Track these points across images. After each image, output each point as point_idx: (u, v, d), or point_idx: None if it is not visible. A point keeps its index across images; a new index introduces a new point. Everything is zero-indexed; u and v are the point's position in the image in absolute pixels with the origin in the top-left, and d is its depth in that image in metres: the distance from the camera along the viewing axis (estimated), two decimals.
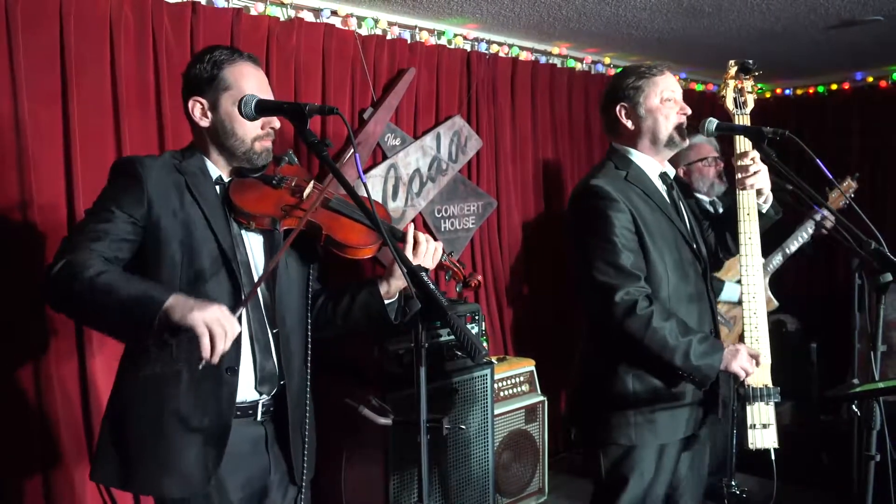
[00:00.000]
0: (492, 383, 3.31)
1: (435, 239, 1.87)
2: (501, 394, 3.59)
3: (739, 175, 2.23)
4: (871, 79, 5.29)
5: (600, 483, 2.24)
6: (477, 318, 3.34)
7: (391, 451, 2.86)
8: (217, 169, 1.80)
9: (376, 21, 3.56)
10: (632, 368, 2.15)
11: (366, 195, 1.56)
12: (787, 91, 5.77)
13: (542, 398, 3.75)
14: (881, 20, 3.87)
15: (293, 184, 1.84)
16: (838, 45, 4.46)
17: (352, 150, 3.30)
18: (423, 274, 1.49)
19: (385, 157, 3.63)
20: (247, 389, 1.74)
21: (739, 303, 2.24)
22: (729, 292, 3.33)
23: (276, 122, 1.79)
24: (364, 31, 3.53)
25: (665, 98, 2.20)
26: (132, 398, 1.69)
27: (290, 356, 1.82)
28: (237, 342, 1.66)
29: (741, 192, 2.24)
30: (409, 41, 3.72)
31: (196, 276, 1.68)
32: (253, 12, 3.12)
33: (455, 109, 3.93)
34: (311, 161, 3.25)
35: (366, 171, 3.53)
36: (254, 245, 1.80)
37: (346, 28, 3.45)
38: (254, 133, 1.76)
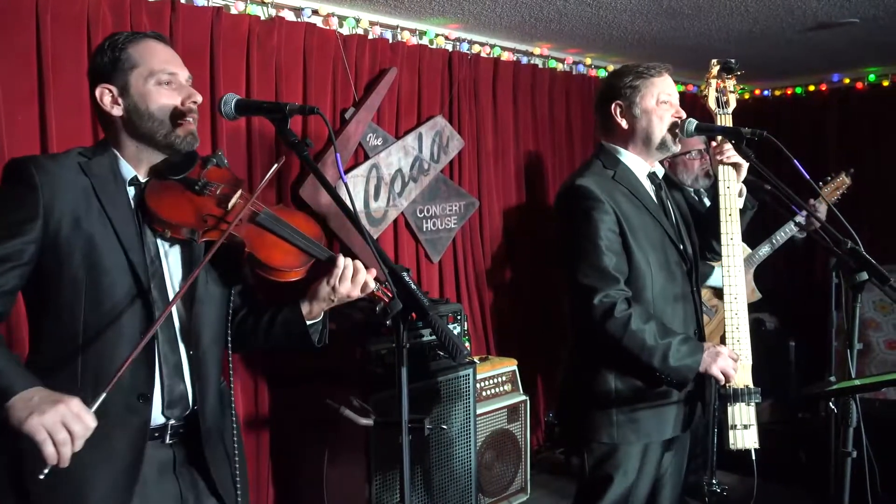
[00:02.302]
0: (474, 383, 3.31)
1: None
2: (484, 393, 3.59)
3: (715, 154, 2.24)
4: (847, 80, 5.36)
5: (584, 481, 2.25)
6: (459, 317, 3.34)
7: (373, 452, 2.85)
8: (131, 168, 1.62)
9: (358, 21, 3.55)
10: (615, 368, 2.16)
11: (347, 195, 1.52)
12: (766, 92, 5.84)
13: (524, 397, 3.76)
14: (857, 22, 3.92)
15: (218, 191, 1.66)
16: (815, 47, 4.51)
17: (333, 150, 3.28)
18: (405, 274, 1.48)
19: (367, 157, 3.62)
20: (154, 413, 1.58)
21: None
22: (718, 277, 3.33)
23: (197, 97, 1.63)
24: (345, 31, 3.52)
25: (661, 100, 2.19)
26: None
27: (204, 378, 1.67)
28: (150, 367, 1.55)
29: (723, 193, 2.25)
30: (390, 41, 3.71)
31: (102, 296, 1.52)
32: (233, 11, 3.09)
33: (437, 109, 3.93)
34: (291, 160, 3.23)
35: (347, 171, 3.51)
36: (170, 256, 1.64)
37: (328, 27, 3.43)
38: (171, 108, 1.59)
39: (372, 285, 1.70)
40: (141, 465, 1.54)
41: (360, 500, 2.89)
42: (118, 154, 1.62)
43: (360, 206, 3.55)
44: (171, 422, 1.62)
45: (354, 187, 3.53)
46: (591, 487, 2.21)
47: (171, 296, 1.60)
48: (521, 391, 3.79)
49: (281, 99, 3.23)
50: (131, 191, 1.60)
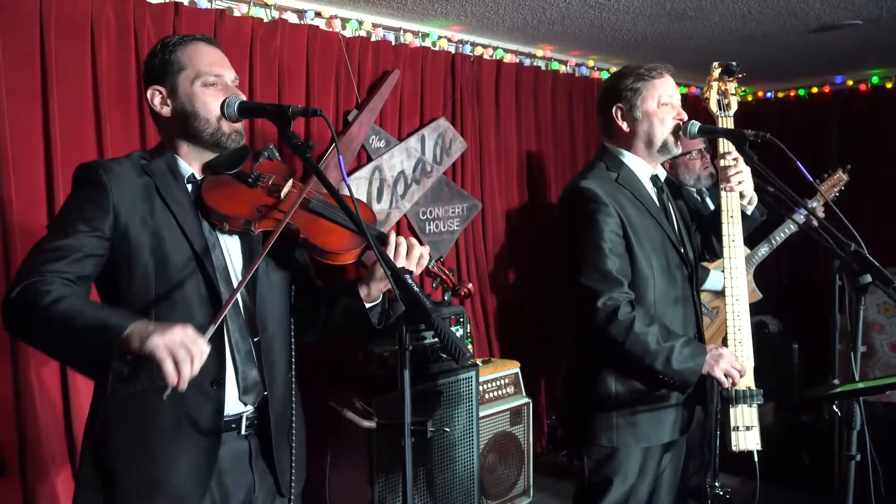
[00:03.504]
0: (476, 385, 3.31)
1: (421, 243, 1.81)
2: (486, 396, 3.59)
3: (722, 175, 2.24)
4: (850, 82, 5.36)
5: (584, 484, 2.24)
6: (462, 320, 3.34)
7: (375, 455, 2.85)
8: (188, 166, 1.70)
9: (360, 23, 3.55)
10: (615, 371, 2.16)
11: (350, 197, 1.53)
12: (769, 94, 5.83)
13: (527, 400, 3.75)
14: (860, 24, 3.92)
15: (270, 182, 1.73)
16: (818, 49, 4.51)
17: (336, 152, 3.29)
18: (408, 276, 1.48)
19: (369, 159, 3.62)
20: (231, 401, 1.65)
21: (723, 293, 2.26)
22: (714, 281, 3.33)
23: (243, 97, 1.70)
24: (348, 33, 3.53)
25: (663, 102, 2.18)
26: (112, 416, 1.59)
27: (272, 364, 1.73)
28: (220, 353, 1.61)
29: (725, 193, 2.26)
30: (393, 43, 3.72)
31: (172, 287, 1.59)
32: (236, 13, 3.10)
33: (440, 111, 3.93)
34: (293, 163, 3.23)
35: (350, 173, 3.52)
36: (230, 248, 1.71)
37: (331, 30, 3.44)
38: (218, 111, 1.66)
39: (427, 260, 1.77)
40: (218, 451, 1.62)
41: (362, 502, 2.89)
42: (175, 154, 1.70)
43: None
44: (247, 412, 1.68)
45: (357, 189, 3.54)
46: (591, 490, 2.21)
47: (235, 285, 1.65)
48: (524, 394, 3.79)
49: (284, 101, 3.24)
50: (189, 188, 1.68)
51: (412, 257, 1.76)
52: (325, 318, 1.85)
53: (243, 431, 1.69)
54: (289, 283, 1.82)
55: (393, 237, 1.75)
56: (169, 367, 1.33)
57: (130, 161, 1.66)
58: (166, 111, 1.67)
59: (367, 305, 1.79)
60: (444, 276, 1.87)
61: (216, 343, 1.57)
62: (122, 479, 1.57)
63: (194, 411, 1.60)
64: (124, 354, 1.38)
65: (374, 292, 1.80)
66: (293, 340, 1.81)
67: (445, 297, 1.90)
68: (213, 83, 1.66)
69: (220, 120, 1.66)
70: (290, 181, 1.74)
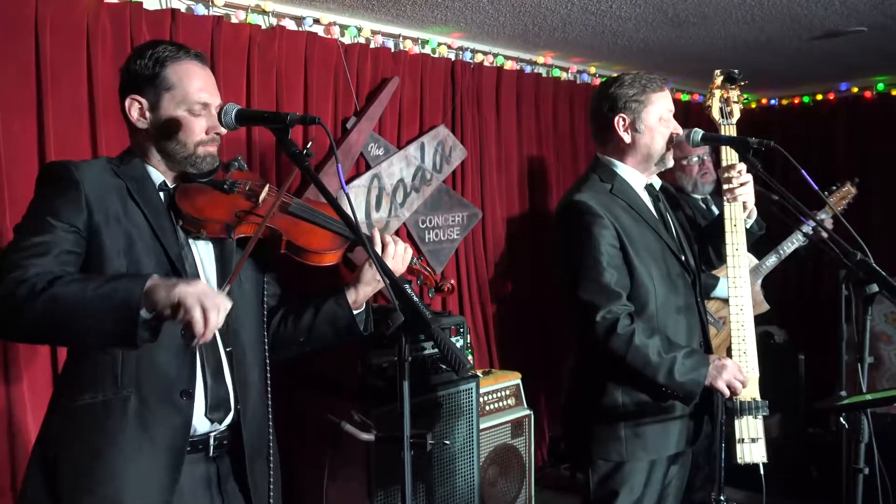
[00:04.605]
0: (477, 397, 3.30)
1: (419, 252, 1.81)
2: (487, 408, 3.58)
3: (726, 186, 2.25)
4: (855, 89, 5.37)
5: (588, 498, 2.24)
6: (462, 330, 3.34)
7: (374, 468, 2.84)
8: (159, 174, 1.67)
9: (359, 30, 3.57)
10: (620, 382, 2.16)
11: (348, 205, 1.53)
12: (773, 101, 5.85)
13: (528, 412, 3.74)
14: (865, 31, 3.94)
15: (247, 188, 1.73)
16: (823, 56, 4.52)
17: (334, 161, 3.29)
18: (407, 285, 1.48)
19: (368, 167, 3.63)
20: (197, 418, 1.58)
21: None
22: (724, 288, 3.32)
23: (221, 129, 1.66)
24: (347, 40, 3.54)
25: (663, 117, 2.20)
26: (67, 431, 1.51)
27: (245, 378, 1.67)
28: (191, 363, 1.57)
29: (728, 203, 2.26)
30: (392, 50, 3.73)
31: None
32: (234, 20, 3.11)
33: (439, 119, 3.94)
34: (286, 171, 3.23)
35: (348, 181, 3.52)
36: (203, 256, 1.68)
37: (329, 37, 3.45)
38: (197, 137, 1.64)
39: (409, 256, 1.79)
40: (181, 467, 1.55)
41: None
42: (144, 163, 1.67)
43: (361, 216, 3.56)
44: (215, 431, 1.62)
45: (356, 198, 3.54)
46: None
47: None
48: (526, 405, 3.78)
49: (281, 109, 3.24)
50: (162, 195, 1.65)
51: (397, 254, 1.76)
52: (307, 330, 1.80)
53: (211, 453, 1.62)
54: (262, 294, 1.77)
55: (377, 235, 1.75)
56: (198, 315, 1.32)
57: (99, 162, 1.63)
58: (142, 124, 1.64)
59: (354, 312, 1.77)
60: (426, 273, 1.88)
61: (187, 350, 1.54)
62: (72, 500, 1.48)
63: (160, 425, 1.53)
64: (148, 311, 1.36)
65: (361, 297, 1.78)
66: (268, 355, 1.74)
67: (430, 295, 1.89)
68: (198, 113, 1.64)
69: (197, 146, 1.64)
70: (267, 186, 1.75)
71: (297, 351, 1.86)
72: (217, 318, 1.34)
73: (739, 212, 2.27)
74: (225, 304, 1.36)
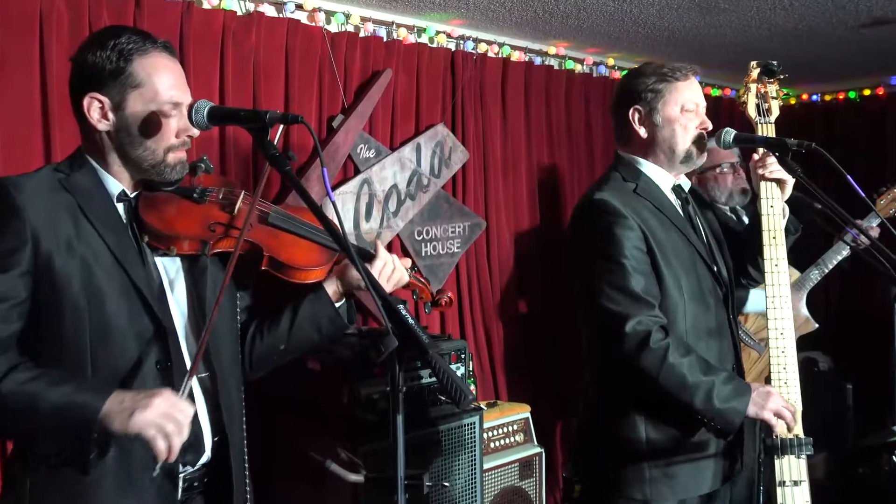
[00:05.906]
0: (480, 433, 3.29)
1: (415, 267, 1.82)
2: (492, 445, 3.58)
3: (756, 168, 2.25)
4: None
5: None
6: (463, 356, 3.33)
7: None
8: (118, 182, 1.64)
9: (348, 16, 3.59)
10: (645, 412, 2.14)
11: (334, 214, 1.53)
12: (815, 97, 5.88)
13: (538, 450, 3.74)
14: None
15: (220, 196, 1.71)
16: (870, 46, 4.55)
17: (319, 164, 3.30)
18: (401, 306, 1.48)
19: (357, 172, 3.64)
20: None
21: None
22: (756, 301, 3.28)
23: (193, 130, 1.64)
24: (334, 28, 3.56)
25: (687, 108, 2.19)
26: (41, 490, 1.51)
27: (230, 405, 1.68)
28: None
29: (766, 213, 2.24)
30: (384, 39, 3.75)
31: (108, 325, 1.53)
32: (206, 5, 3.13)
33: (438, 117, 3.96)
34: (271, 176, 3.24)
35: (335, 187, 3.53)
36: (171, 273, 1.68)
37: (314, 24, 3.47)
38: (168, 142, 1.61)
39: (407, 278, 1.81)
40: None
41: None
42: (99, 168, 1.64)
43: (349, 227, 3.57)
44: (185, 473, 1.62)
45: (343, 205, 3.55)
46: None
47: (176, 317, 1.63)
48: (536, 442, 3.77)
49: (260, 105, 3.26)
50: (120, 207, 1.63)
51: (384, 274, 1.78)
52: (285, 335, 1.82)
53: (179, 496, 1.62)
54: (236, 312, 1.79)
55: (382, 253, 1.76)
56: (161, 444, 1.37)
57: (45, 176, 1.59)
58: (104, 126, 1.61)
59: (336, 305, 1.79)
60: (421, 286, 1.88)
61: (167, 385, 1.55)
62: None
63: (145, 472, 1.53)
64: (102, 437, 1.40)
65: (343, 288, 1.80)
66: (245, 377, 1.79)
67: (426, 310, 1.90)
68: (169, 114, 1.62)
69: (167, 152, 1.62)
70: (242, 193, 1.74)
71: (279, 362, 1.88)
72: (181, 439, 1.40)
73: (779, 222, 2.26)
74: (188, 418, 1.41)
